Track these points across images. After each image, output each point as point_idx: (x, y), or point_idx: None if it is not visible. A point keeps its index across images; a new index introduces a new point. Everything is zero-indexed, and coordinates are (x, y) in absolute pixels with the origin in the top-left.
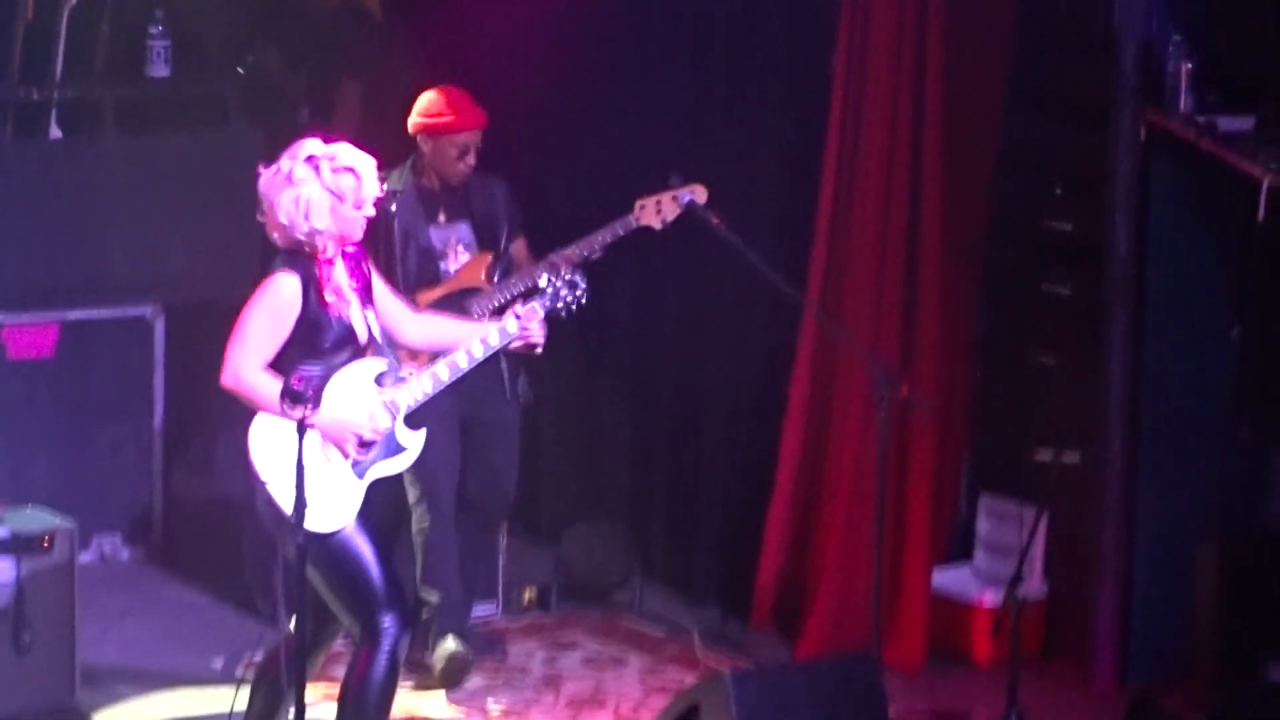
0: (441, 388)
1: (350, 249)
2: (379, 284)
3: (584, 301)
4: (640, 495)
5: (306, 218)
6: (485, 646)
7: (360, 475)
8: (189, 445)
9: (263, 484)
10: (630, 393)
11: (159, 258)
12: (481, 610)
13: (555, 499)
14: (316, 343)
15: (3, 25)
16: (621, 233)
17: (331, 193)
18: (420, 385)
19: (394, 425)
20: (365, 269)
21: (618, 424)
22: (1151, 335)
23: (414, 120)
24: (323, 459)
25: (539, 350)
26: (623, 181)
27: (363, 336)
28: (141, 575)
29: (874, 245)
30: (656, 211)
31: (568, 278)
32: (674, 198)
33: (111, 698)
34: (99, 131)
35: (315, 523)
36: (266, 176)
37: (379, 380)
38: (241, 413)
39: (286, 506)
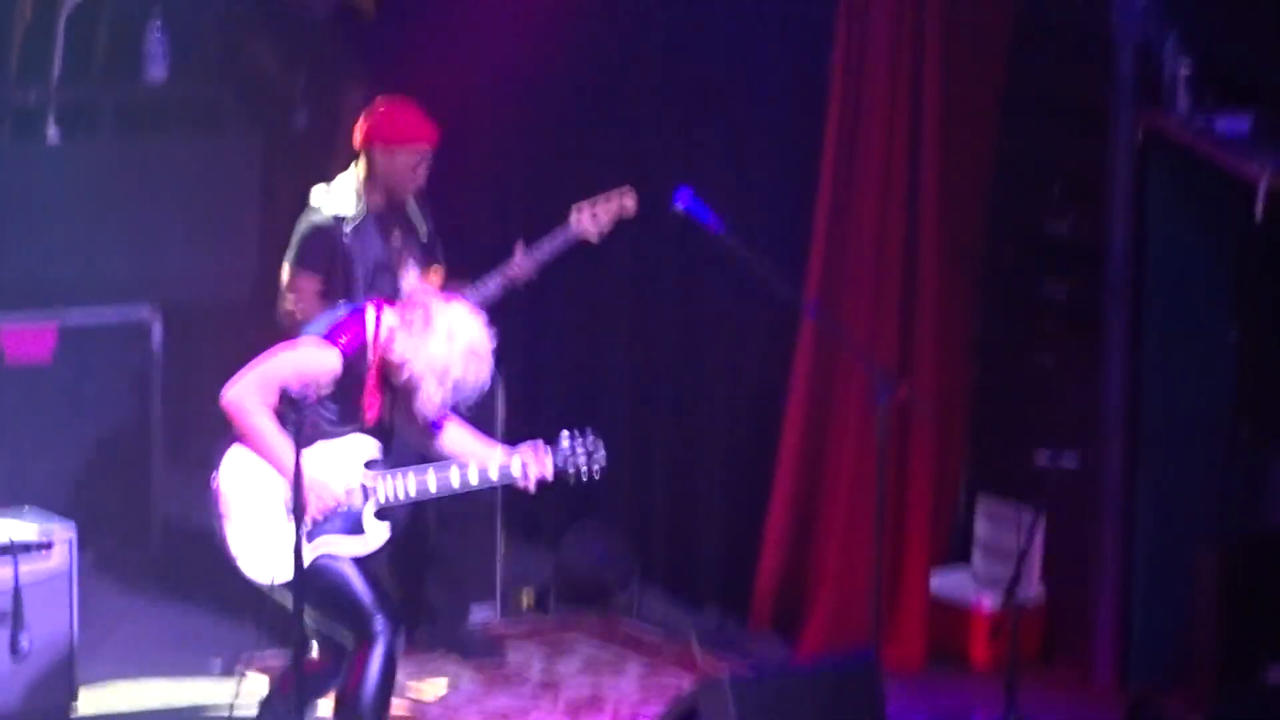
0: (426, 498)
1: None
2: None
3: (598, 476)
4: (639, 498)
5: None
6: (483, 649)
7: (310, 540)
8: (187, 447)
9: (220, 516)
10: (629, 395)
11: (157, 260)
12: (480, 613)
13: (554, 502)
14: (327, 404)
15: (1, 27)
16: (563, 245)
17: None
18: (404, 485)
19: (363, 509)
20: None
21: (616, 426)
22: (1150, 337)
23: (369, 132)
24: (282, 510)
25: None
26: (619, 183)
27: (370, 423)
28: (140, 579)
29: (872, 247)
30: (593, 218)
31: (589, 447)
32: (605, 203)
33: (109, 701)
34: (97, 134)
35: (250, 568)
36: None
37: (369, 464)
38: None
39: (232, 549)
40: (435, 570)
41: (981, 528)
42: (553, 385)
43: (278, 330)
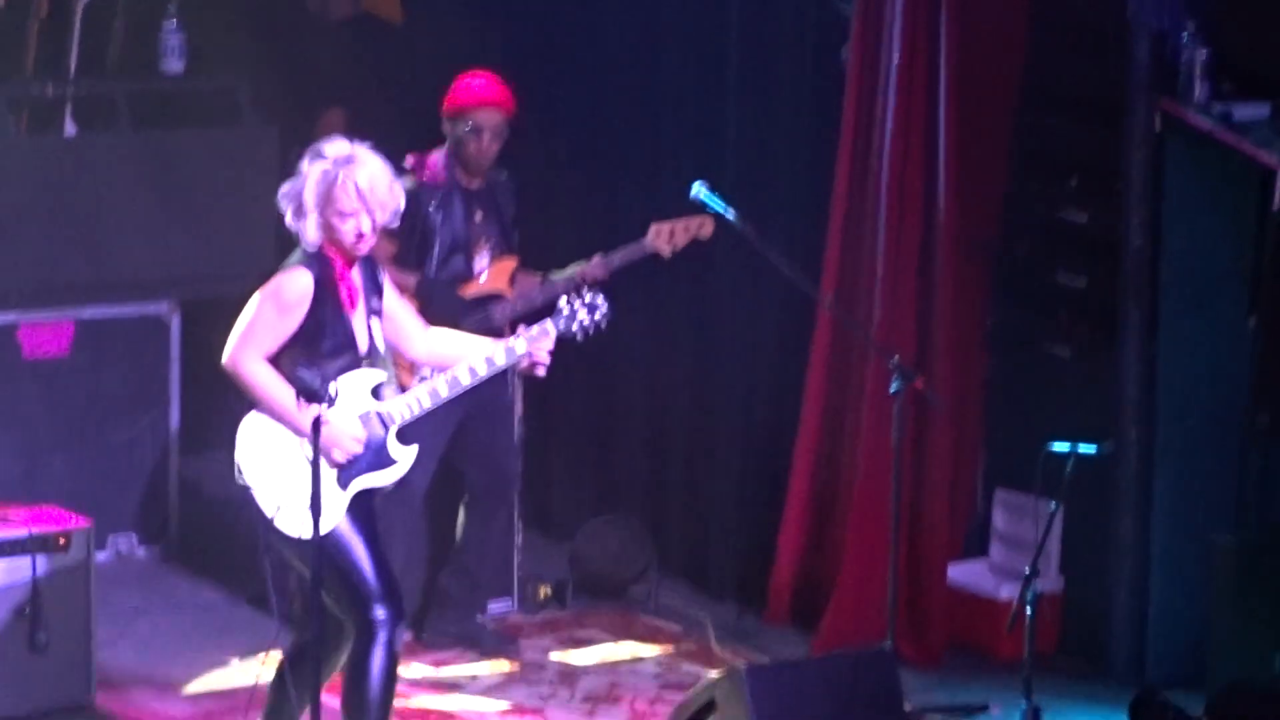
0: (440, 403)
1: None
2: (391, 294)
3: (603, 326)
4: (656, 490)
5: (293, 213)
6: (500, 642)
7: (344, 485)
8: (205, 442)
9: (245, 486)
10: (645, 388)
11: (174, 254)
12: (497, 606)
13: (570, 495)
14: (316, 345)
15: (17, 22)
16: (636, 257)
17: (319, 196)
18: (417, 399)
19: (386, 437)
20: (378, 278)
21: (632, 419)
22: (1167, 327)
23: (445, 100)
24: (308, 464)
25: (541, 373)
26: (637, 180)
27: (363, 346)
28: (158, 573)
29: (888, 240)
30: (669, 238)
31: (588, 299)
32: (685, 227)
33: (128, 696)
34: (113, 128)
35: (295, 527)
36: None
37: (376, 392)
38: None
39: (268, 509)
40: (452, 564)
41: (1000, 519)
42: (569, 379)
43: None
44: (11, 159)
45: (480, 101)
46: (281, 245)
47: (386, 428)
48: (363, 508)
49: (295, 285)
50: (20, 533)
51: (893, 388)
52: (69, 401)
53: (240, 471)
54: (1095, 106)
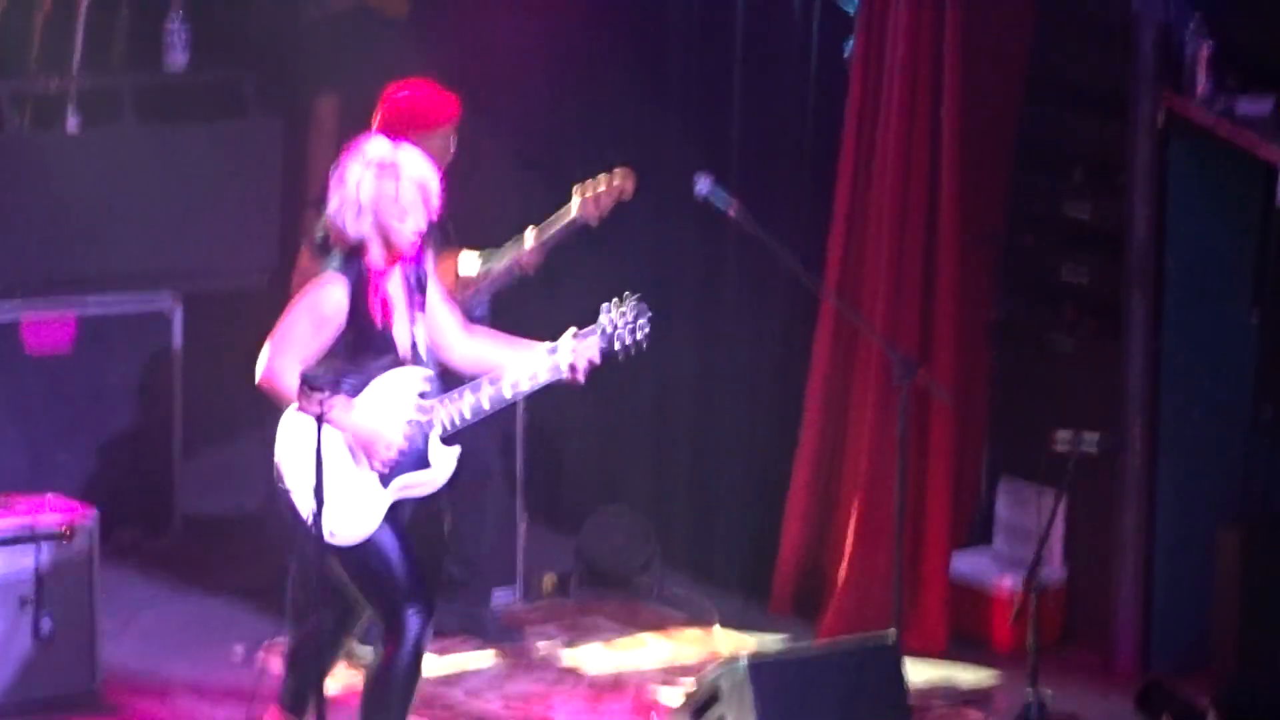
0: (483, 415)
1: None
2: (435, 293)
3: (645, 345)
4: (661, 481)
5: (353, 219)
6: (505, 632)
7: (385, 485)
8: (208, 435)
9: (285, 489)
10: (650, 380)
11: (177, 248)
12: (501, 597)
13: (575, 486)
14: (356, 350)
15: (21, 15)
16: (567, 230)
17: (376, 199)
18: (461, 408)
19: (427, 442)
20: (423, 278)
21: (637, 410)
22: (1171, 320)
23: (395, 120)
24: (351, 464)
25: (580, 381)
26: (641, 174)
27: (403, 350)
28: (161, 565)
29: (892, 232)
30: (596, 205)
31: (631, 316)
32: (607, 191)
33: (131, 687)
34: (117, 122)
35: (339, 532)
36: (334, 173)
37: (421, 394)
38: (260, 405)
39: (306, 512)
40: (456, 554)
41: (1003, 509)
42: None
43: None
44: (15, 153)
45: (448, 118)
46: (286, 239)
47: (427, 432)
48: (397, 509)
49: (330, 299)
50: (24, 524)
51: (896, 379)
52: (72, 395)
53: (280, 473)
54: (1099, 100)
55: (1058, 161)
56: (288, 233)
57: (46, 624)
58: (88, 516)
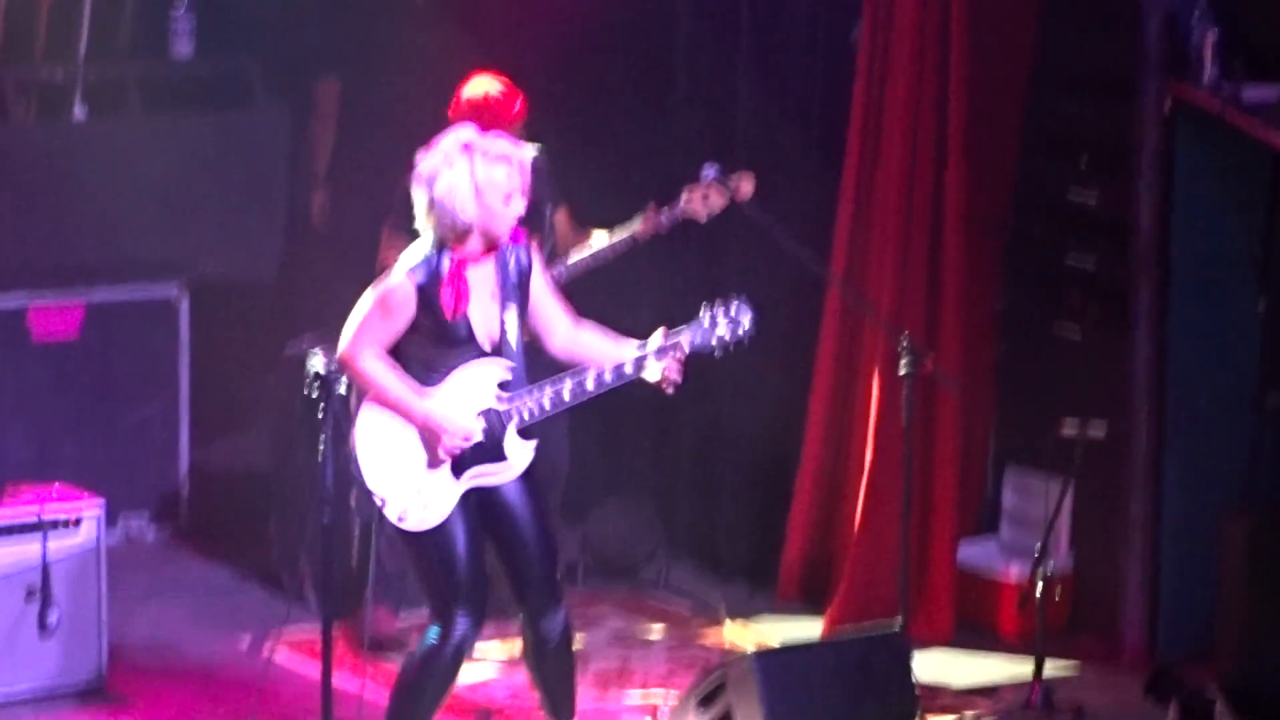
0: (562, 408)
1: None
2: (539, 283)
3: (746, 342)
4: (666, 471)
5: (453, 208)
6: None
7: (458, 475)
8: (214, 424)
9: (363, 482)
10: None
11: (184, 238)
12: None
13: (581, 476)
14: (436, 340)
15: (26, 5)
16: (666, 224)
17: (479, 185)
18: (540, 400)
19: (503, 434)
20: (524, 266)
21: (642, 400)
22: (1177, 307)
23: (478, 112)
24: (424, 454)
25: (670, 391)
26: (647, 162)
27: (484, 341)
28: (168, 554)
29: (898, 220)
30: (703, 200)
31: (732, 311)
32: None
33: (139, 676)
34: (123, 111)
35: (408, 517)
36: (423, 161)
37: (503, 384)
38: (265, 394)
39: (379, 500)
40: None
41: (1009, 498)
42: None
43: (303, 308)
44: (21, 143)
45: (524, 113)
46: (292, 228)
47: (505, 425)
48: (472, 504)
49: (398, 294)
50: (31, 513)
51: (902, 368)
52: (79, 383)
53: (357, 464)
54: (1106, 87)
55: (1064, 149)
56: (294, 223)
57: (53, 614)
58: (95, 505)
